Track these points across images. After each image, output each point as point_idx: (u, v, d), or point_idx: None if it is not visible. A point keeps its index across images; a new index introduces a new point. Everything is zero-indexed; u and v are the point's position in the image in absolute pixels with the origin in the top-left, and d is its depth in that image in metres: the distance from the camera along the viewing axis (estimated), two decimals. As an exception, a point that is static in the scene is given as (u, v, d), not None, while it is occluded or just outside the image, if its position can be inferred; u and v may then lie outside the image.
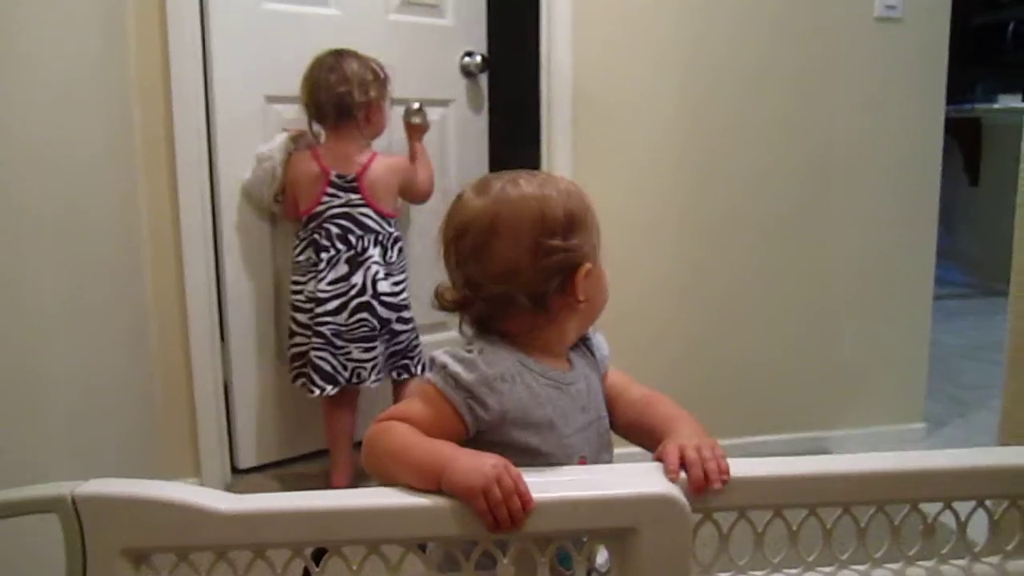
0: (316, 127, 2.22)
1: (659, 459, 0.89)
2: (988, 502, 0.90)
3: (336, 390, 2.17)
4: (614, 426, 1.04)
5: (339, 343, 2.14)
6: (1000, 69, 4.77)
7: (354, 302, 2.13)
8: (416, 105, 2.34)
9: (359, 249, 2.15)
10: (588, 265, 0.96)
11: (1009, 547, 0.91)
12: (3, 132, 1.33)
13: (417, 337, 2.28)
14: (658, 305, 2.39)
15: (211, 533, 0.80)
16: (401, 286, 2.22)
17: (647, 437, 0.98)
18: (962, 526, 0.90)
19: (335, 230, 2.15)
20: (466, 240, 0.96)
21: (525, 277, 0.94)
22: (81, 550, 0.80)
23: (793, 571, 0.89)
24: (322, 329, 2.13)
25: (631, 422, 1.02)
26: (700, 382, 2.40)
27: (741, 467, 0.86)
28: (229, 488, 2.27)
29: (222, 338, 2.27)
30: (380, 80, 2.19)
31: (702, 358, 2.43)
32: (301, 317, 2.19)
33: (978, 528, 0.91)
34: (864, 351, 2.54)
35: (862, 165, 2.46)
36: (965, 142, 4.65)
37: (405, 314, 2.22)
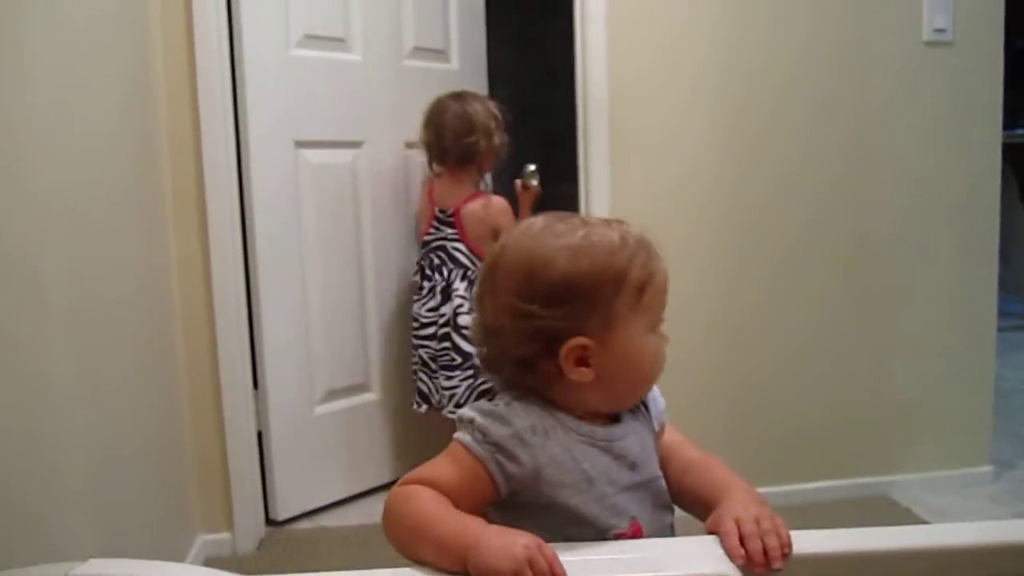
0: (436, 167, 2.34)
1: (712, 530, 0.80)
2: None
3: (428, 409, 2.36)
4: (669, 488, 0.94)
5: (433, 367, 2.32)
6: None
7: (442, 331, 2.29)
8: (532, 167, 2.40)
9: (448, 280, 2.29)
10: (581, 340, 0.84)
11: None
12: (26, 186, 1.30)
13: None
14: (709, 346, 2.29)
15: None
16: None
17: (698, 504, 0.89)
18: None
19: (436, 260, 2.32)
20: (477, 284, 0.91)
21: (505, 337, 0.86)
22: (79, 639, 0.74)
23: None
24: (420, 352, 2.35)
25: (682, 487, 0.93)
26: (755, 426, 2.30)
27: (807, 541, 0.77)
28: (263, 542, 2.20)
29: (255, 386, 2.22)
30: (499, 125, 2.30)
31: (755, 401, 2.33)
32: (413, 336, 2.38)
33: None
34: (925, 390, 2.42)
35: (915, 195, 2.36)
36: (1021, 168, 4.48)
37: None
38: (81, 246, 1.49)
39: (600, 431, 0.89)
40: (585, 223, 0.87)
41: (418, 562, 0.77)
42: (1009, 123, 3.25)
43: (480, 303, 0.90)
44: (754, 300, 2.33)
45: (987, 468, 2.46)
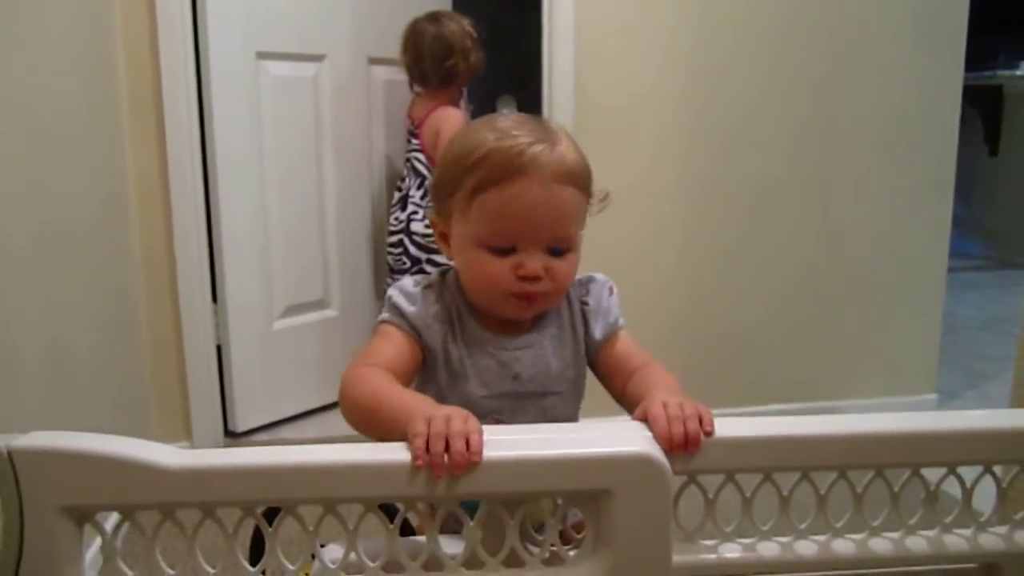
0: (417, 88, 2.35)
1: (639, 419, 0.83)
2: (996, 468, 0.83)
3: None
4: (613, 397, 0.99)
5: (394, 275, 2.37)
6: (1023, 35, 4.63)
7: (395, 237, 2.34)
8: (507, 99, 2.53)
9: (406, 190, 2.33)
10: (435, 219, 0.95)
11: (1017, 516, 0.84)
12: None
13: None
14: (665, 274, 2.32)
15: (157, 491, 0.75)
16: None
17: (633, 407, 0.92)
18: (967, 493, 0.83)
19: (404, 171, 2.38)
20: None
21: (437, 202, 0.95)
22: (18, 507, 0.75)
23: (784, 539, 0.83)
24: (388, 259, 2.40)
25: (625, 395, 0.96)
26: (704, 349, 2.34)
27: (729, 426, 0.80)
28: (221, 453, 2.23)
29: (214, 299, 2.22)
30: (475, 43, 2.30)
31: (706, 325, 2.37)
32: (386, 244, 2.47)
33: (984, 497, 0.85)
34: (875, 320, 2.47)
35: (876, 133, 2.38)
36: (986, 111, 4.52)
37: (440, 259, 2.26)
38: (35, 152, 1.47)
39: (492, 338, 0.94)
40: (499, 128, 0.88)
41: (376, 439, 0.81)
42: (977, 65, 3.28)
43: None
44: (720, 231, 2.37)
45: (932, 396, 2.54)
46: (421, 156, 2.33)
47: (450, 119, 2.28)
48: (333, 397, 2.44)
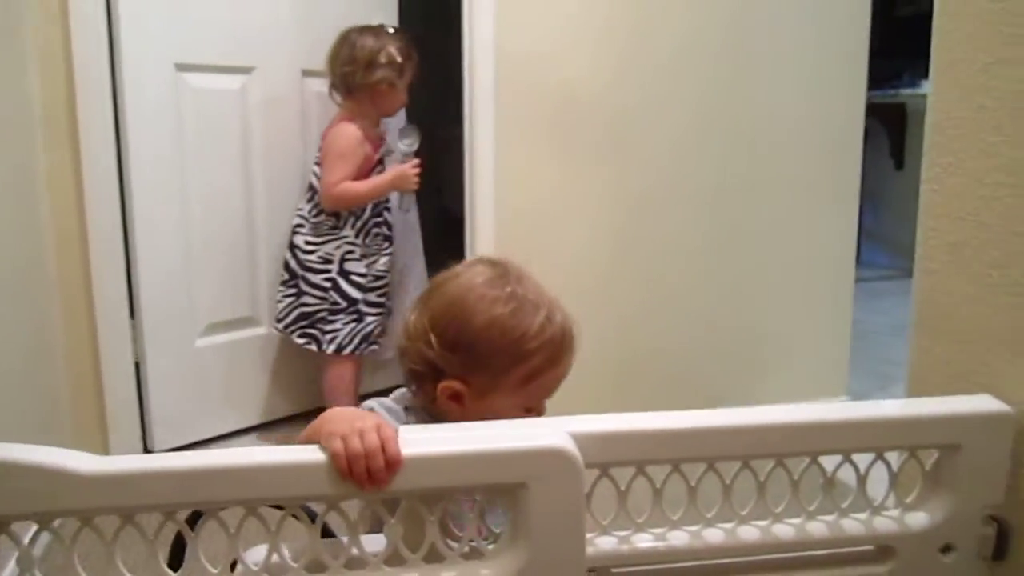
0: (335, 95, 2.28)
1: None
2: (888, 455, 0.89)
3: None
4: None
5: (320, 324, 2.31)
6: (924, 57, 4.86)
7: (321, 277, 2.28)
8: (407, 142, 2.32)
9: (331, 220, 2.27)
10: (460, 387, 0.93)
11: (908, 499, 0.90)
12: None
13: (340, 316, 2.29)
14: (580, 282, 2.36)
15: (74, 497, 0.75)
16: (314, 247, 2.26)
17: None
18: (862, 479, 0.88)
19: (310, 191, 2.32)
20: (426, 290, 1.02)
21: (411, 347, 0.96)
22: (-71, 518, 0.74)
23: (693, 528, 0.87)
24: (305, 302, 2.31)
25: None
26: (623, 359, 2.38)
27: (639, 420, 0.83)
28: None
29: (132, 314, 2.18)
30: (392, 64, 2.22)
31: (624, 335, 2.41)
32: None
33: (878, 484, 0.91)
34: (787, 327, 2.56)
35: (784, 139, 2.46)
36: (892, 127, 4.73)
37: (315, 278, 2.27)
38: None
39: None
40: (522, 297, 0.94)
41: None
42: (883, 84, 3.44)
43: (412, 307, 0.99)
44: (618, 235, 2.38)
45: (843, 399, 2.64)
46: (317, 170, 2.27)
47: (336, 136, 2.22)
48: (257, 419, 2.46)
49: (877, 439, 0.87)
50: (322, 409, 0.84)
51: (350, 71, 2.20)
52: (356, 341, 2.29)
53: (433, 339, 0.93)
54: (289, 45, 2.40)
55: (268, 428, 2.46)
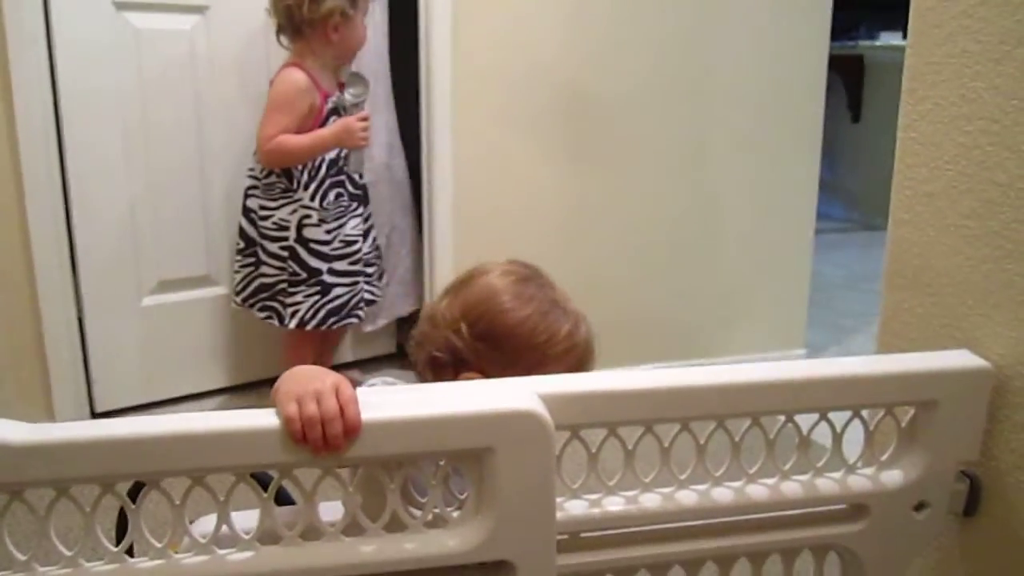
0: (283, 40, 2.05)
1: None
2: (863, 413, 0.86)
3: None
4: None
5: (281, 296, 2.13)
6: (882, 8, 4.85)
7: (278, 245, 2.09)
8: (354, 92, 2.07)
9: (275, 179, 2.07)
10: (478, 376, 0.92)
11: (883, 458, 0.88)
12: None
13: (301, 287, 2.08)
14: (543, 236, 2.33)
15: (2, 470, 0.69)
16: (268, 212, 2.08)
17: None
18: (838, 437, 0.86)
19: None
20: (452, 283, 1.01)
21: (434, 333, 0.95)
22: None
23: (666, 490, 0.84)
24: (263, 272, 2.13)
25: None
26: (589, 313, 2.35)
27: (610, 380, 0.79)
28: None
29: (73, 270, 2.08)
30: None
31: (579, 285, 2.38)
32: None
33: (852, 445, 0.88)
34: (747, 280, 2.56)
35: (747, 97, 2.44)
36: (849, 80, 4.73)
37: (271, 247, 2.08)
38: None
39: None
40: (554, 302, 0.98)
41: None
42: (841, 35, 3.41)
43: (442, 295, 1.00)
44: (591, 195, 2.37)
45: (801, 351, 2.65)
46: None
47: (276, 84, 2.01)
48: (220, 383, 2.35)
49: (854, 397, 0.84)
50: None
51: (294, 3, 1.96)
52: (321, 315, 2.09)
53: (464, 328, 0.93)
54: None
55: (229, 393, 2.36)
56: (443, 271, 2.29)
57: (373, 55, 2.34)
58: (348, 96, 2.07)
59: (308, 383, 0.71)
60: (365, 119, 2.06)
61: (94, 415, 2.17)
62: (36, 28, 1.92)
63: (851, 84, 4.73)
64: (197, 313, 2.31)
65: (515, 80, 2.25)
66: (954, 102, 0.91)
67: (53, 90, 1.97)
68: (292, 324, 2.09)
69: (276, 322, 2.12)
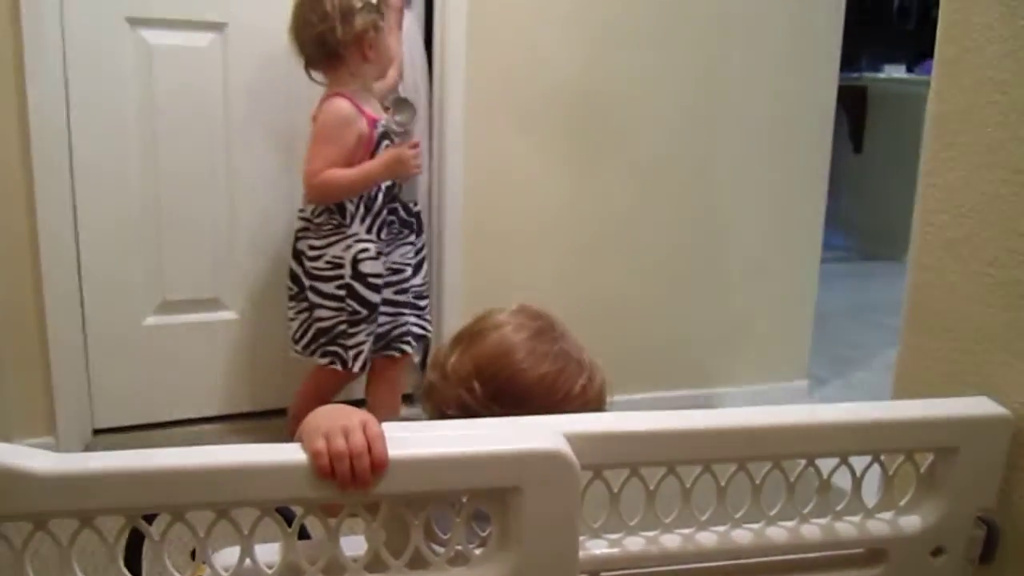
0: (313, 74, 1.93)
1: None
2: (883, 458, 0.87)
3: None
4: None
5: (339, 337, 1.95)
6: (885, 40, 4.90)
7: (333, 284, 1.92)
8: (400, 119, 1.93)
9: (333, 216, 1.91)
10: None
11: (902, 503, 0.88)
12: None
13: (363, 326, 1.92)
14: (550, 261, 2.33)
15: (26, 499, 0.68)
16: (318, 251, 1.91)
17: None
18: (857, 482, 0.86)
19: None
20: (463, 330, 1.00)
21: (446, 388, 0.94)
22: None
23: (686, 531, 0.84)
24: (319, 315, 1.95)
25: None
26: (593, 340, 2.35)
27: (634, 421, 0.80)
28: (88, 448, 2.10)
29: (79, 286, 2.08)
30: (368, 5, 1.86)
31: (588, 316, 2.38)
32: None
33: (869, 488, 0.88)
34: (752, 310, 2.56)
35: (757, 128, 2.47)
36: (851, 110, 4.76)
37: (326, 287, 1.91)
38: None
39: None
40: (568, 355, 0.95)
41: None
42: (844, 67, 3.43)
43: (451, 346, 0.97)
44: (601, 219, 2.38)
45: (804, 383, 2.66)
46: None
47: (321, 115, 1.87)
48: (217, 410, 2.29)
49: (875, 442, 0.85)
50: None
51: (327, 28, 1.83)
52: (373, 348, 1.96)
53: (477, 386, 0.91)
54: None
55: (229, 420, 2.27)
56: (453, 296, 2.30)
57: (419, 73, 2.26)
58: (393, 124, 1.93)
59: (336, 419, 0.71)
60: (415, 146, 1.92)
61: (95, 433, 2.16)
62: (54, 45, 1.93)
63: (854, 114, 4.76)
64: (203, 337, 2.26)
65: (527, 101, 2.26)
66: (978, 151, 0.92)
67: (66, 106, 1.98)
68: (357, 367, 1.92)
69: (339, 366, 1.94)
